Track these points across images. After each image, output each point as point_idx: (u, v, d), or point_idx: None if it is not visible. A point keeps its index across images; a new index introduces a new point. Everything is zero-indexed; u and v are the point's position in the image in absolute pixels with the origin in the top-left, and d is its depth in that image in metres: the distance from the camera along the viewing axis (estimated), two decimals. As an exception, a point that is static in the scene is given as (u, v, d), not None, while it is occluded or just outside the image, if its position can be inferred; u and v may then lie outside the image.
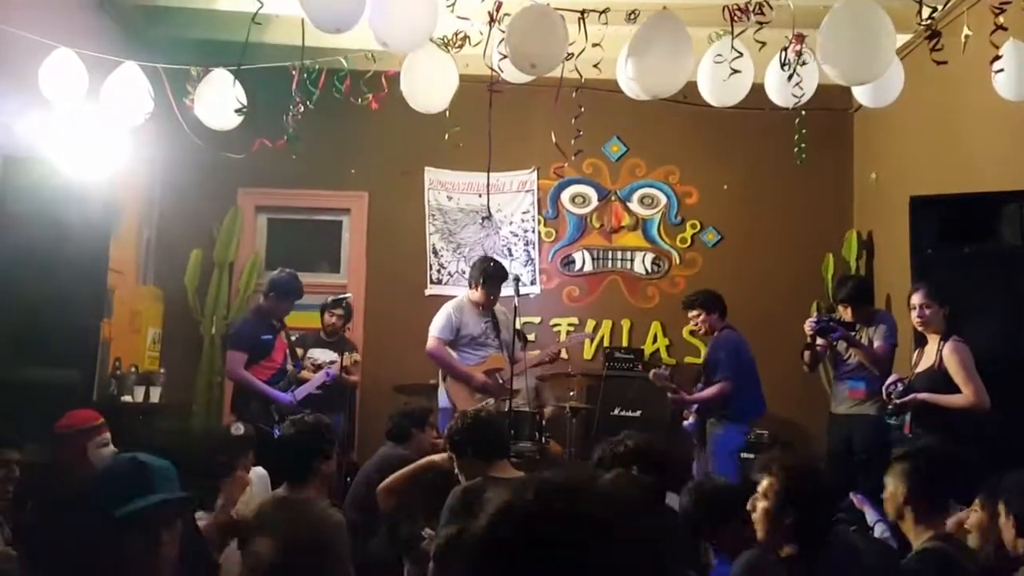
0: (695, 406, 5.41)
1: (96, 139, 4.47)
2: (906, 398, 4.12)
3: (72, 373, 4.32)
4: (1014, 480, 2.63)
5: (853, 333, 4.97)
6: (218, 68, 3.96)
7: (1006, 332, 4.22)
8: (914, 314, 4.23)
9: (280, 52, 4.24)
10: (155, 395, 5.84)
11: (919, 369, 4.24)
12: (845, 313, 5.13)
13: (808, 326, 4.97)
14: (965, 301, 4.17)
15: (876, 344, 4.93)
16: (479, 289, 5.34)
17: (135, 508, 1.84)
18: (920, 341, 4.33)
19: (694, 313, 5.55)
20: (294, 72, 3.83)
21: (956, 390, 4.01)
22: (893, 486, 2.84)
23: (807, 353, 5.13)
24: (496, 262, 5.60)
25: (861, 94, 3.65)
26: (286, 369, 5.33)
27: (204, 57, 4.22)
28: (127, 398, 5.70)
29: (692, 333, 6.02)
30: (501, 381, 5.20)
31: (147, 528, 1.86)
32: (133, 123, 4.21)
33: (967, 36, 3.41)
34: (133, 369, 5.96)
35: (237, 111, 3.59)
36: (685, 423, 5.50)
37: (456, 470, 3.39)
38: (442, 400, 5.30)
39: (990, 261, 4.35)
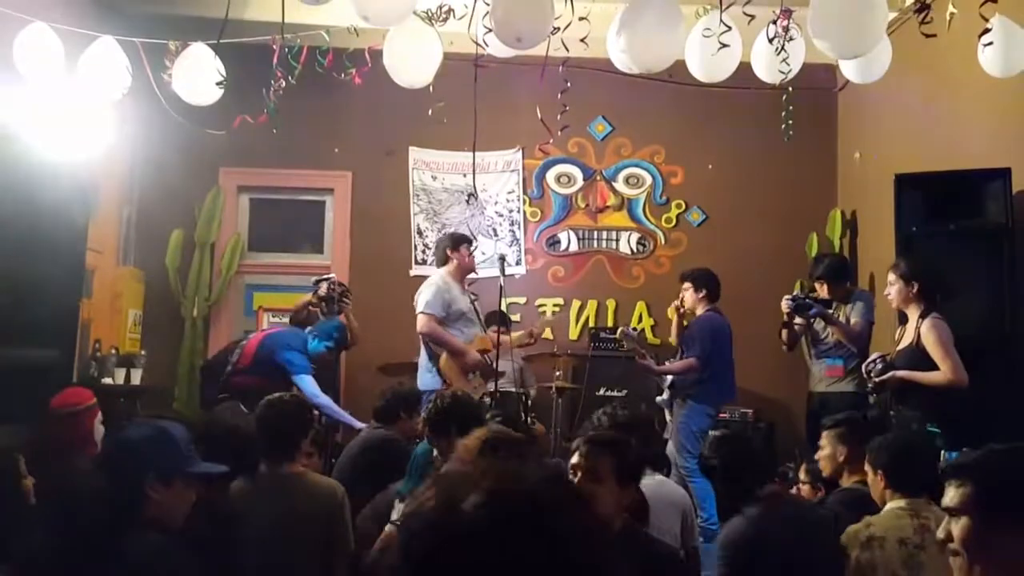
0: (668, 382, 5.40)
1: (73, 115, 4.39)
2: (884, 376, 4.13)
3: (51, 354, 4.26)
4: (880, 441, 2.97)
5: (831, 311, 4.98)
6: (197, 43, 3.88)
7: (991, 309, 4.24)
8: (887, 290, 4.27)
9: (260, 28, 4.16)
10: (136, 377, 5.80)
11: (900, 346, 4.25)
12: (822, 290, 5.16)
13: (785, 304, 4.99)
14: (950, 278, 4.18)
15: (853, 321, 4.95)
16: (459, 251, 5.31)
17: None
18: (903, 319, 4.35)
19: (686, 286, 5.53)
20: (275, 47, 3.76)
21: (936, 367, 4.02)
22: (831, 448, 3.25)
23: (784, 332, 5.14)
24: (453, 231, 5.73)
25: (849, 70, 3.63)
26: None
27: (182, 33, 4.14)
28: (108, 380, 5.64)
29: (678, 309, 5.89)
30: (489, 362, 5.11)
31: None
32: (111, 99, 4.14)
33: (952, 13, 3.40)
34: (113, 351, 5.90)
35: (218, 84, 3.52)
36: (658, 399, 5.50)
37: (436, 452, 3.37)
38: (426, 383, 5.12)
39: (975, 238, 4.36)
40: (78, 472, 2.77)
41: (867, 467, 2.97)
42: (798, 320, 5.06)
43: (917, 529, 2.65)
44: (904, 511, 2.72)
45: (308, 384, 4.88)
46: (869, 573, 2.59)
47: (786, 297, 5.03)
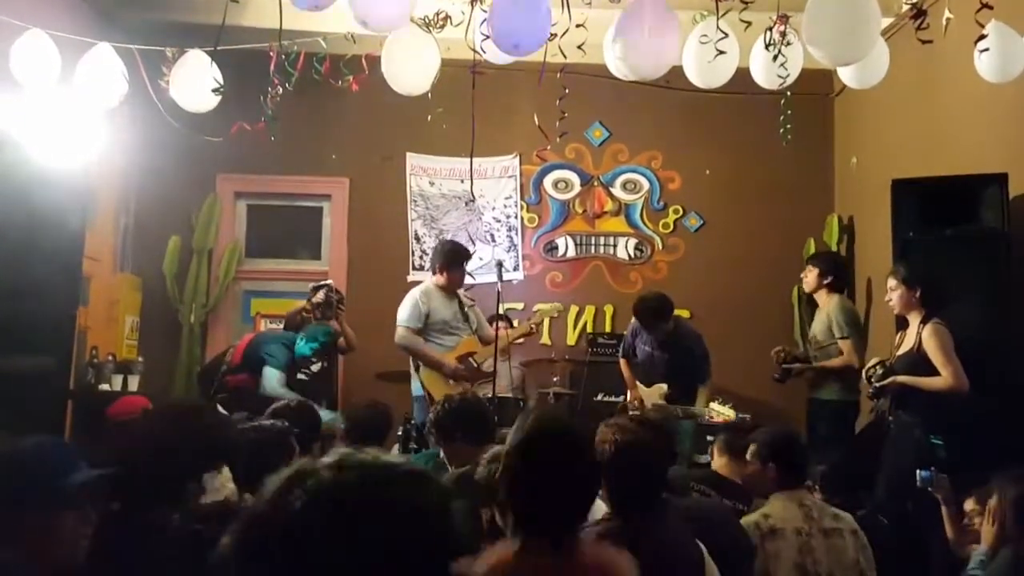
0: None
1: (70, 122, 4.39)
2: (885, 381, 4.13)
3: (47, 361, 4.25)
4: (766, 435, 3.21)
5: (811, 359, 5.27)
6: (194, 49, 3.88)
7: (988, 314, 4.24)
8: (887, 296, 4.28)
9: (257, 35, 4.17)
10: (133, 383, 5.78)
11: (900, 352, 4.25)
12: (810, 274, 5.38)
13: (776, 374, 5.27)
14: (946, 284, 4.18)
15: (839, 338, 5.16)
16: (443, 274, 5.27)
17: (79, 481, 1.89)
18: (903, 323, 4.35)
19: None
20: (272, 54, 3.76)
21: (936, 373, 4.02)
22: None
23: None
24: (455, 243, 5.58)
25: (847, 76, 3.63)
26: None
27: (179, 40, 4.14)
28: (105, 386, 5.64)
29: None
30: (476, 365, 5.19)
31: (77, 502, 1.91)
32: (108, 106, 4.13)
33: (948, 18, 3.41)
34: (110, 357, 5.89)
35: (214, 91, 3.51)
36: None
37: (442, 456, 3.35)
38: (416, 388, 5.23)
39: (972, 244, 4.36)
40: None
41: (751, 460, 3.18)
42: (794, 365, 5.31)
43: (805, 518, 2.97)
44: (791, 502, 3.01)
45: (270, 376, 4.95)
46: (774, 561, 2.87)
47: (774, 371, 5.29)
